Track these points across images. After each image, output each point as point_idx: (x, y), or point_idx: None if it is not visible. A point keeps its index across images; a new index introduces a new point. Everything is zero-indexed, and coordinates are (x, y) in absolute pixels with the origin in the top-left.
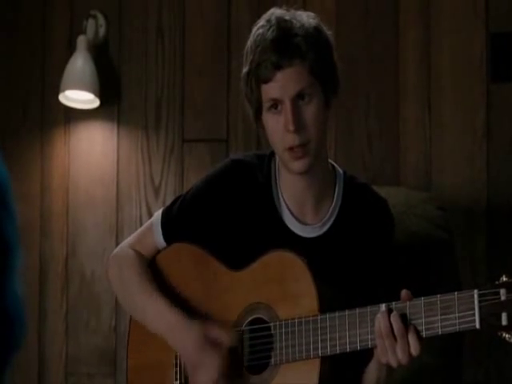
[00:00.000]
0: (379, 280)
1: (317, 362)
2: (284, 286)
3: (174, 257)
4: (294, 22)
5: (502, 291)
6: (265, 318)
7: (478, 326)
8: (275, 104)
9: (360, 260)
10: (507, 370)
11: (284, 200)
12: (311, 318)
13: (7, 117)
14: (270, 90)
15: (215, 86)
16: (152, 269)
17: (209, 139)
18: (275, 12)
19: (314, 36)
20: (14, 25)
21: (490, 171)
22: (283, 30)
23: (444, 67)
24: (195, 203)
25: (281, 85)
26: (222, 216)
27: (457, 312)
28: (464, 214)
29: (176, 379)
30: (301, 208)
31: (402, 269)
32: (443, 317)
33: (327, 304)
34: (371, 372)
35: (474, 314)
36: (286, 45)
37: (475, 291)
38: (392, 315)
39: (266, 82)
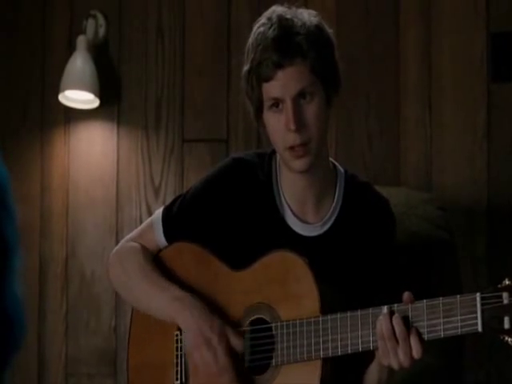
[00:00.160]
0: (380, 279)
1: (318, 363)
2: (286, 287)
3: (175, 256)
4: (296, 20)
5: (505, 295)
6: (266, 318)
7: (480, 329)
8: (276, 103)
9: (361, 259)
10: (508, 372)
11: (285, 199)
12: (313, 319)
13: (7, 117)
14: (271, 89)
15: (215, 85)
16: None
17: (209, 139)
18: (276, 10)
19: (316, 34)
20: (14, 25)
21: (491, 171)
22: (284, 28)
23: (444, 67)
24: (196, 202)
25: (282, 84)
26: (222, 215)
27: (459, 315)
28: (465, 214)
29: (177, 379)
30: (302, 207)
31: (402, 269)
32: (445, 320)
33: (329, 305)
34: (372, 373)
35: (476, 318)
36: (287, 43)
37: (477, 294)
38: (394, 317)
39: (267, 80)
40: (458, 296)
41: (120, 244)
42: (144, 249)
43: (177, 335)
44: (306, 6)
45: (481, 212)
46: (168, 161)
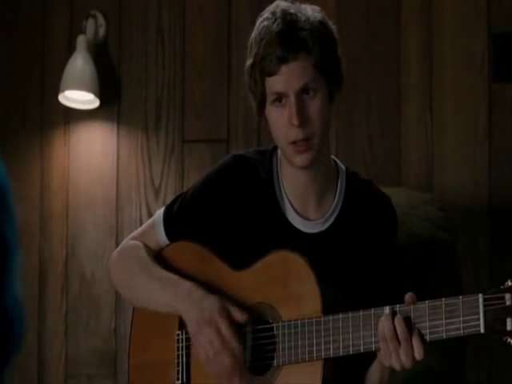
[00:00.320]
0: (381, 276)
1: (320, 363)
2: (287, 287)
3: (176, 255)
4: (300, 15)
5: (508, 296)
6: (268, 318)
7: (482, 330)
8: (279, 98)
9: (362, 256)
10: (509, 373)
11: (286, 195)
12: (314, 320)
13: (7, 117)
14: (275, 84)
15: (215, 85)
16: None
17: (209, 139)
18: (280, 4)
19: (320, 30)
20: (14, 25)
21: (492, 171)
22: (289, 23)
23: (445, 67)
24: (196, 200)
25: (285, 79)
26: (223, 212)
27: (461, 316)
28: (466, 214)
29: (178, 379)
30: (303, 203)
31: (404, 269)
32: (448, 321)
33: (330, 305)
34: (374, 373)
35: (478, 319)
36: (291, 38)
37: (480, 295)
38: (396, 318)
39: (271, 75)
40: (461, 297)
41: (121, 245)
42: (145, 246)
43: (178, 335)
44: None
45: (482, 212)
46: (168, 161)
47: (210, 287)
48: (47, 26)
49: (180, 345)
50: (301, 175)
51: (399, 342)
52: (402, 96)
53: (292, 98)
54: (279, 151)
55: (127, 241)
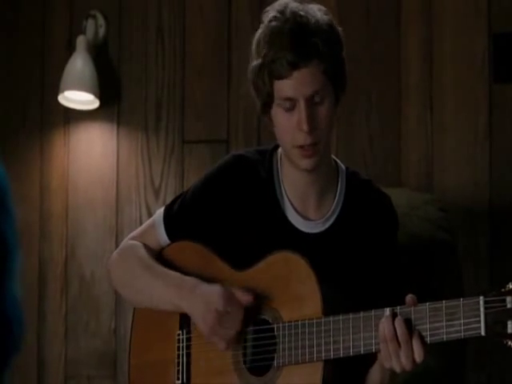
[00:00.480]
0: (382, 276)
1: (320, 364)
2: (288, 288)
3: (177, 255)
4: (310, 17)
5: (509, 299)
6: (268, 319)
7: (483, 333)
8: (288, 101)
9: (363, 256)
10: (510, 374)
11: (287, 195)
12: (315, 321)
13: (7, 117)
14: (284, 88)
15: (215, 86)
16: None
17: (209, 140)
18: (289, 4)
19: (329, 35)
20: (14, 25)
21: (493, 172)
22: (300, 26)
23: (446, 67)
24: (196, 200)
25: (296, 84)
26: (223, 212)
27: (462, 319)
28: (466, 215)
29: (178, 378)
30: (303, 203)
31: (404, 269)
32: (448, 323)
33: (331, 306)
34: (374, 375)
35: (479, 321)
36: (303, 44)
37: (481, 298)
38: (396, 320)
39: (280, 78)
40: (462, 299)
41: (121, 245)
42: (145, 246)
43: (178, 335)
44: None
45: (482, 213)
46: (168, 162)
47: None
48: (47, 26)
49: (180, 345)
50: (302, 176)
51: (399, 344)
52: (402, 96)
53: (302, 104)
54: (279, 151)
55: (127, 241)
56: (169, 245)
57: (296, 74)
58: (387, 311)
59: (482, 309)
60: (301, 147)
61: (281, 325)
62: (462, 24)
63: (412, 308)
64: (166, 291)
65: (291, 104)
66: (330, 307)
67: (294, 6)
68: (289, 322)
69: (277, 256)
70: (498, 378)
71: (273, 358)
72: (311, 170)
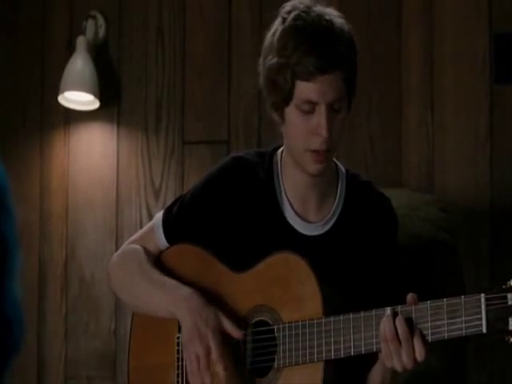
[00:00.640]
0: (382, 278)
1: (320, 365)
2: (288, 289)
3: (176, 258)
4: (334, 22)
5: (510, 296)
6: (268, 320)
7: (484, 330)
8: (308, 104)
9: (363, 258)
10: (510, 373)
11: (287, 197)
12: (315, 321)
13: (7, 117)
14: (307, 91)
15: (216, 86)
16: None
17: (209, 141)
18: (312, 5)
19: (352, 44)
20: (14, 25)
21: (493, 173)
22: (326, 31)
23: (446, 68)
24: (196, 202)
25: (320, 89)
26: (223, 214)
27: (463, 316)
28: (467, 215)
29: (177, 382)
30: (303, 205)
31: (404, 270)
32: (449, 321)
33: (331, 307)
34: (375, 374)
35: (480, 319)
36: (330, 51)
37: (482, 295)
38: (397, 319)
39: (304, 80)
40: (463, 297)
41: (121, 249)
42: (145, 250)
43: (178, 338)
44: None
45: (483, 214)
46: (168, 163)
47: (210, 290)
48: (47, 26)
49: (180, 348)
50: (304, 178)
51: (400, 343)
52: (402, 97)
53: (323, 109)
54: (279, 152)
55: (127, 244)
56: (168, 248)
57: (321, 79)
58: (388, 310)
59: (483, 306)
60: (315, 152)
61: (281, 326)
62: (462, 25)
63: (413, 307)
64: (163, 298)
65: (310, 107)
66: (331, 308)
67: (317, 8)
68: (289, 322)
69: (277, 257)
70: (499, 376)
71: (273, 360)
72: (318, 176)
